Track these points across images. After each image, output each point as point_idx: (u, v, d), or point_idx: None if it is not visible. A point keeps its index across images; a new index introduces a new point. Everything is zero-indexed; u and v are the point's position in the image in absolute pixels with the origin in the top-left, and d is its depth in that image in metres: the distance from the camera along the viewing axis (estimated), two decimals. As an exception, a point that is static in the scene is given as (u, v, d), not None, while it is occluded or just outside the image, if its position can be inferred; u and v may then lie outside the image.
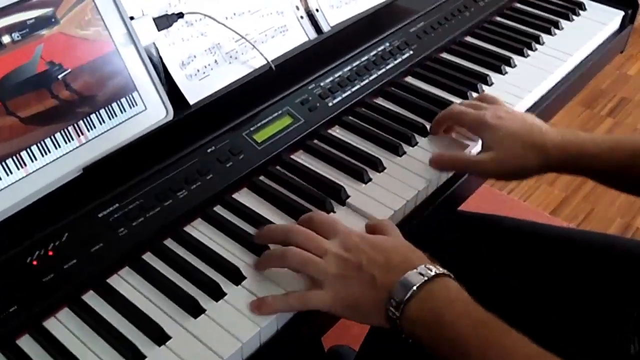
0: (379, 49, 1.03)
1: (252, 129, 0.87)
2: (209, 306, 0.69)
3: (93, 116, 0.76)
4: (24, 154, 0.71)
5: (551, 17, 1.18)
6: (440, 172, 0.85)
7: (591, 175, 0.85)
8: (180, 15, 0.83)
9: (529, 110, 1.01)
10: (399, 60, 1.03)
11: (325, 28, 1.00)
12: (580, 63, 1.11)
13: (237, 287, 0.71)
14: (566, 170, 0.85)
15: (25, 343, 0.66)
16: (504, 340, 0.62)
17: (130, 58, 0.78)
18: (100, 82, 0.76)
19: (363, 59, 1.01)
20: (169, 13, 0.83)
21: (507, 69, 1.06)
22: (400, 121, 0.93)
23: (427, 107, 0.95)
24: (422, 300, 0.64)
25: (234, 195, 0.82)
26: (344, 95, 0.95)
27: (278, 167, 0.86)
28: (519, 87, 1.02)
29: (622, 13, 1.19)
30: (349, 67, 0.99)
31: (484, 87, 1.01)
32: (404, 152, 0.88)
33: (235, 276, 0.72)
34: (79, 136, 0.75)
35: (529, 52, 1.10)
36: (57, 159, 0.73)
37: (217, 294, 0.70)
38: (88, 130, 0.75)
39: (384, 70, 1.01)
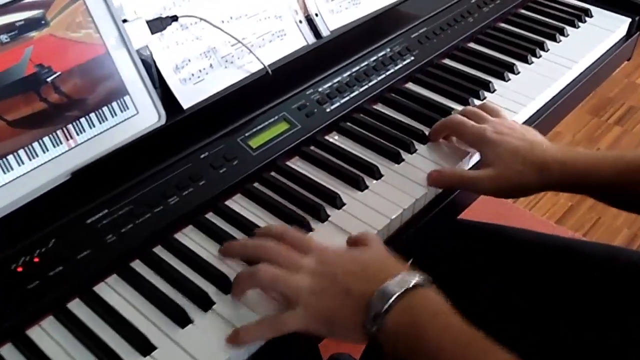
0: (379, 54, 1.01)
1: (247, 134, 0.86)
2: (197, 316, 0.67)
3: (83, 120, 0.74)
4: (10, 157, 0.69)
5: (556, 23, 1.16)
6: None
7: (593, 194, 0.83)
8: (175, 18, 0.82)
9: (532, 117, 0.99)
10: (400, 66, 1.01)
11: (325, 33, 0.98)
12: (586, 70, 1.09)
13: (226, 297, 0.69)
14: (567, 188, 0.83)
15: (8, 353, 0.64)
16: (488, 357, 0.59)
17: (122, 61, 0.77)
18: (90, 85, 0.74)
19: (363, 64, 0.99)
20: (163, 16, 0.81)
21: (511, 75, 1.04)
22: (399, 128, 0.91)
23: (427, 114, 0.93)
24: (402, 312, 0.61)
25: (227, 202, 0.80)
26: (342, 101, 0.93)
27: (273, 174, 0.84)
28: (522, 95, 1.00)
29: (629, 20, 1.16)
30: (348, 73, 0.97)
31: (486, 94, 0.99)
32: (403, 160, 0.86)
33: (226, 285, 0.70)
34: (67, 140, 0.73)
35: (533, 58, 1.08)
36: (45, 163, 0.72)
37: (206, 303, 0.68)
38: (77, 134, 0.74)
39: (384, 76, 0.99)
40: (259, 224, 0.77)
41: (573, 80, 1.07)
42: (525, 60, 1.07)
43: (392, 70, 1.00)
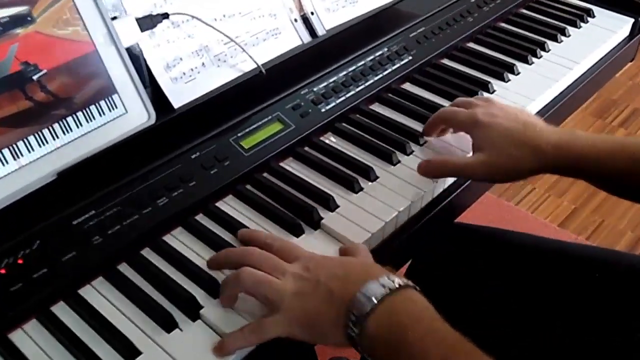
0: (377, 53, 0.99)
1: (239, 134, 0.84)
2: (184, 321, 0.65)
3: (69, 119, 0.72)
4: (-6, 157, 0.68)
5: (557, 23, 1.14)
6: (434, 182, 0.81)
7: (588, 179, 0.80)
8: (165, 15, 0.80)
9: (532, 117, 0.97)
10: (397, 65, 0.99)
11: (320, 32, 0.97)
12: (588, 71, 1.07)
13: (215, 301, 0.67)
14: (561, 171, 0.80)
15: (-12, 357, 0.63)
16: None
17: (110, 59, 0.75)
18: (78, 83, 0.73)
19: (359, 64, 0.97)
20: (154, 13, 0.80)
21: (510, 76, 1.02)
22: (395, 129, 0.89)
23: (424, 115, 0.91)
24: (384, 315, 0.59)
25: (217, 204, 0.78)
26: (337, 101, 0.91)
27: (266, 175, 0.82)
28: (522, 95, 0.98)
29: (632, 20, 1.14)
30: (344, 72, 0.95)
31: (486, 94, 0.97)
32: (399, 161, 0.85)
33: (214, 289, 0.68)
34: (54, 139, 0.72)
35: (534, 59, 1.06)
36: (30, 162, 0.70)
37: (193, 307, 0.66)
38: (64, 134, 0.72)
39: (381, 75, 0.97)
40: (250, 226, 0.75)
41: (575, 81, 1.04)
42: (525, 60, 1.05)
43: (389, 70, 0.98)
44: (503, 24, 1.15)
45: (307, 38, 0.95)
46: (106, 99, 0.75)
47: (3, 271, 0.66)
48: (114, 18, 0.76)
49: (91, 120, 0.74)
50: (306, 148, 0.86)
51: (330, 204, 0.77)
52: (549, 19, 1.16)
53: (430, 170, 0.80)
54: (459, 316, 0.60)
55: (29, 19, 0.69)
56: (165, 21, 0.81)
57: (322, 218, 0.76)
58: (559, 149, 0.76)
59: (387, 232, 0.77)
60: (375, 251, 0.74)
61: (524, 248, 0.92)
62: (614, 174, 0.76)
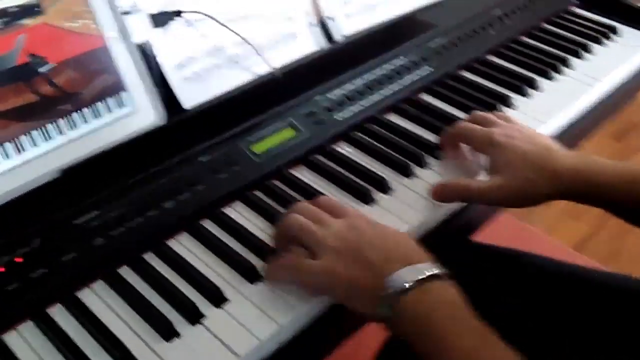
0: (395, 62, 0.97)
1: (250, 139, 0.81)
2: (185, 329, 0.63)
3: (76, 115, 0.70)
4: (-4, 150, 0.66)
5: (581, 39, 1.11)
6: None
7: (606, 207, 0.78)
8: (179, 13, 0.78)
9: (551, 136, 0.94)
10: (415, 76, 0.97)
11: (338, 37, 0.94)
12: (610, 90, 1.04)
13: (217, 310, 0.64)
14: (578, 198, 0.77)
15: (-20, 357, 0.60)
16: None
17: (120, 55, 0.73)
18: (85, 79, 0.70)
19: (376, 72, 0.94)
20: (167, 10, 0.78)
21: (530, 91, 0.99)
22: (411, 140, 0.87)
23: (441, 127, 0.88)
24: (419, 299, 0.60)
25: (225, 210, 0.76)
26: (353, 110, 0.89)
27: (276, 182, 0.80)
28: (541, 111, 0.95)
29: (657, 40, 1.11)
30: (360, 80, 0.93)
31: (505, 108, 0.94)
32: (413, 174, 0.82)
33: (217, 298, 0.65)
34: (59, 135, 0.69)
35: (555, 74, 1.03)
36: (34, 158, 0.68)
37: (194, 316, 0.63)
38: (69, 130, 0.70)
39: (398, 85, 0.94)
40: (256, 233, 0.72)
41: (596, 99, 1.01)
42: (545, 75, 1.02)
43: (406, 80, 0.95)
44: (525, 38, 1.12)
45: (323, 43, 0.93)
46: (114, 96, 0.73)
47: (2, 269, 0.64)
48: (126, 13, 0.74)
49: (98, 117, 0.72)
50: (319, 156, 0.83)
51: (341, 215, 0.74)
52: (571, 35, 1.13)
53: (444, 196, 0.78)
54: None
55: (38, 9, 0.67)
56: (179, 19, 0.79)
57: (332, 228, 0.73)
58: (577, 174, 0.74)
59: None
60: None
61: (541, 271, 0.89)
62: (632, 202, 0.74)
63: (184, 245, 0.71)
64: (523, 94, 0.98)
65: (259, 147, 0.81)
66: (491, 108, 0.93)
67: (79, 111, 0.70)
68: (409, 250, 0.65)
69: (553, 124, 0.94)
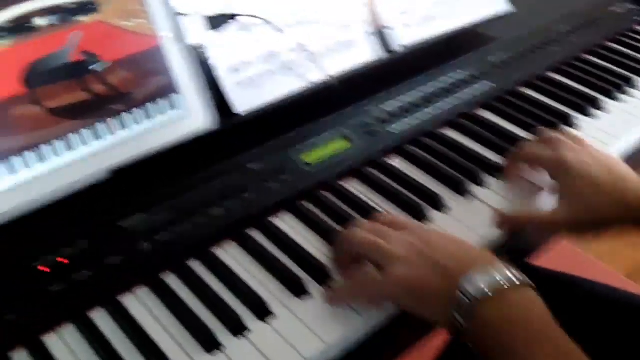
0: (453, 76, 0.94)
1: (301, 148, 0.79)
2: (228, 341, 0.60)
3: (127, 115, 0.69)
4: (46, 147, 0.65)
5: (648, 59, 1.06)
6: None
7: None
8: (234, 16, 0.76)
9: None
10: (474, 90, 0.93)
11: (395, 47, 0.91)
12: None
13: (261, 324, 0.62)
14: None
15: (19, 358, 0.58)
16: None
17: (174, 57, 0.71)
18: (138, 79, 0.69)
19: (433, 84, 0.91)
20: (224, 13, 0.76)
21: (594, 111, 0.94)
22: (468, 156, 0.83)
23: (499, 144, 0.85)
24: (497, 307, 0.56)
25: (272, 219, 0.73)
26: (408, 122, 0.86)
27: (325, 194, 0.77)
28: (605, 132, 0.91)
29: None
30: (416, 92, 0.90)
31: (566, 128, 0.90)
32: (469, 192, 0.78)
33: (261, 311, 0.63)
34: (109, 135, 0.68)
35: (620, 95, 0.98)
36: (83, 157, 0.67)
37: (238, 328, 0.61)
38: (120, 130, 0.69)
39: (455, 99, 0.91)
40: (304, 246, 0.70)
41: (665, 122, 0.96)
42: (609, 95, 0.97)
43: (464, 94, 0.92)
44: (588, 56, 1.07)
45: (380, 53, 0.90)
46: (166, 98, 0.71)
47: (46, 269, 0.63)
48: (182, 14, 0.72)
49: (149, 119, 0.70)
50: (371, 169, 0.81)
51: (393, 231, 0.71)
52: (636, 54, 1.08)
53: (506, 224, 0.74)
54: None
55: (93, 7, 0.66)
56: (234, 23, 0.77)
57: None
58: None
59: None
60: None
61: (593, 296, 0.85)
62: None
63: (230, 254, 0.69)
64: (586, 113, 0.93)
65: (310, 157, 0.79)
66: (552, 127, 0.89)
67: (130, 111, 0.69)
68: (481, 256, 0.62)
69: (619, 147, 0.89)
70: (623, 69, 1.04)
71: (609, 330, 0.80)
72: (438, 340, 0.80)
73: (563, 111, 0.93)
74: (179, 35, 0.71)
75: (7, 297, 0.60)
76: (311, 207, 0.75)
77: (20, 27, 0.62)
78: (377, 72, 0.90)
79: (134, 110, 0.69)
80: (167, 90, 0.71)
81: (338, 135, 0.82)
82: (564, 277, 0.88)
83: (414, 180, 0.79)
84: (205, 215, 0.70)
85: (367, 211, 0.74)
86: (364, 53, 0.89)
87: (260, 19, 0.79)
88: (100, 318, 0.62)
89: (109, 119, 0.68)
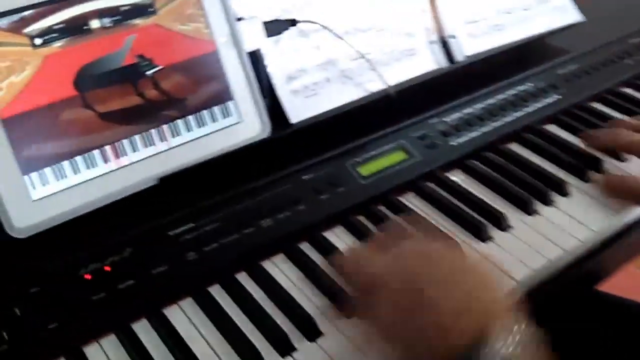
0: (520, 88, 0.89)
1: (358, 160, 0.76)
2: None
3: (180, 122, 0.67)
4: (96, 153, 0.63)
5: None
6: (582, 241, 0.69)
7: None
8: (294, 22, 0.74)
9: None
10: (542, 104, 0.88)
11: (459, 57, 0.87)
12: None
13: (310, 344, 0.59)
14: None
15: (59, 368, 0.57)
16: None
17: (230, 62, 0.69)
18: (193, 85, 0.67)
19: (499, 97, 0.87)
20: (282, 19, 0.74)
21: (672, 127, 0.88)
22: (535, 174, 0.78)
23: (570, 162, 0.80)
24: None
25: (325, 233, 0.70)
26: (471, 136, 0.82)
27: (381, 208, 0.73)
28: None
29: None
30: (480, 105, 0.85)
31: None
32: (536, 211, 0.73)
33: (310, 330, 0.59)
34: (161, 141, 0.66)
35: (702, 112, 0.91)
36: (133, 163, 0.65)
37: (284, 347, 0.58)
38: (172, 137, 0.67)
39: (522, 113, 0.86)
40: (358, 263, 0.66)
41: None
42: (690, 112, 0.90)
43: (532, 108, 0.87)
44: (666, 71, 1.01)
45: (443, 63, 0.87)
46: (221, 105, 0.69)
47: (88, 277, 0.61)
48: (239, 19, 0.70)
49: (202, 126, 0.68)
50: (430, 183, 0.77)
51: (452, 250, 0.67)
52: None
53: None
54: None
55: (150, 9, 0.65)
56: (293, 29, 0.75)
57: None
58: None
59: (518, 292, 0.66)
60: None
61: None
62: None
63: (280, 268, 0.66)
64: (663, 129, 0.87)
65: (366, 169, 0.75)
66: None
67: (183, 118, 0.67)
68: (491, 309, 0.47)
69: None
70: None
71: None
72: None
73: (639, 128, 0.87)
74: (236, 41, 0.69)
75: (50, 305, 0.58)
76: (365, 221, 0.72)
77: (74, 28, 0.61)
78: (439, 83, 0.86)
79: (188, 116, 0.67)
80: (221, 97, 0.69)
81: (396, 147, 0.78)
82: (632, 304, 0.82)
83: (476, 196, 0.75)
84: (255, 226, 0.68)
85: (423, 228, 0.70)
86: (425, 62, 0.85)
87: (320, 25, 0.76)
88: (143, 329, 0.60)
89: (162, 126, 0.66)
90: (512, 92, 0.88)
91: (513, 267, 0.66)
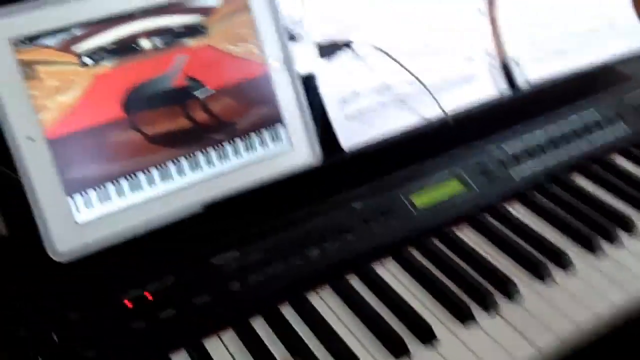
0: (585, 117, 0.84)
1: (411, 189, 0.73)
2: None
3: (228, 146, 0.65)
4: (141, 175, 0.62)
5: None
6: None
7: None
8: (349, 44, 0.71)
9: None
10: (608, 134, 0.83)
11: (521, 83, 0.83)
12: None
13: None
14: None
15: (95, 399, 0.55)
16: None
17: (282, 86, 0.67)
18: (242, 108, 0.65)
19: (562, 125, 0.83)
20: (336, 40, 0.71)
21: None
22: (601, 209, 0.74)
23: (637, 197, 0.75)
24: None
25: (374, 266, 0.67)
26: (531, 166, 0.78)
27: (436, 241, 0.70)
28: None
29: None
30: (543, 133, 0.81)
31: None
32: (602, 250, 0.68)
33: (354, 365, 0.56)
34: (207, 166, 0.64)
35: None
36: (178, 188, 0.63)
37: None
38: (219, 161, 0.65)
39: (587, 143, 0.82)
40: (407, 299, 0.63)
41: None
42: None
43: (598, 138, 0.83)
44: None
45: (504, 89, 0.83)
46: (270, 129, 0.67)
47: (129, 304, 0.59)
48: (292, 39, 0.68)
49: (251, 151, 0.66)
50: (488, 216, 0.73)
51: (509, 289, 0.63)
52: None
53: None
54: None
55: (202, 30, 0.63)
56: (347, 50, 0.72)
57: (497, 304, 0.62)
58: None
59: (580, 339, 0.61)
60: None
61: None
62: None
63: (325, 302, 0.64)
64: None
65: (420, 199, 0.72)
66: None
67: (231, 142, 0.65)
68: None
69: None
70: None
71: None
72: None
73: None
74: (287, 63, 0.67)
75: (89, 332, 0.57)
76: (418, 255, 0.68)
77: (124, 48, 0.60)
78: (500, 110, 0.82)
79: (236, 141, 0.65)
80: (271, 121, 0.67)
81: (452, 176, 0.75)
82: None
83: (537, 232, 0.71)
84: (301, 256, 0.65)
85: (479, 264, 0.66)
86: (485, 88, 0.81)
87: (376, 47, 0.73)
88: (182, 361, 0.58)
89: (209, 150, 0.64)
90: (576, 120, 0.84)
91: (575, 311, 0.62)
